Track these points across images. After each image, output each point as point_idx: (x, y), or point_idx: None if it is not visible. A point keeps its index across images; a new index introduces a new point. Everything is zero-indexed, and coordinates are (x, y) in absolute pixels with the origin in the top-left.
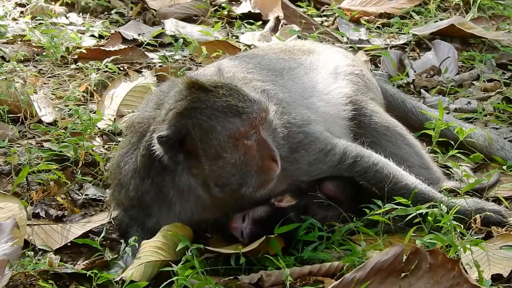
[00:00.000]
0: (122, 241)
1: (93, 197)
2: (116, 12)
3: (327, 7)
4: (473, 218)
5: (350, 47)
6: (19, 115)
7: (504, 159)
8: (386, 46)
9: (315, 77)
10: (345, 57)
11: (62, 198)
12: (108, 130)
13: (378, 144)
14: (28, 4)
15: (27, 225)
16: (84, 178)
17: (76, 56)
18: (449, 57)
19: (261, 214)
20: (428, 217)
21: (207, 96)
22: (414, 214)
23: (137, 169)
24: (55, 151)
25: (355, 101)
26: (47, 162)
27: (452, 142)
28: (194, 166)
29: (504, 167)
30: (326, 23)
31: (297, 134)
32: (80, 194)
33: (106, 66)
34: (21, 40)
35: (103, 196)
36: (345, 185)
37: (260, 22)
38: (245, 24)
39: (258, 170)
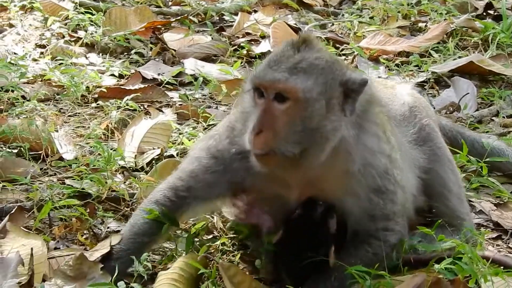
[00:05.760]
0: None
1: (116, 230)
2: (135, 52)
3: (346, 46)
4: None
5: None
6: (40, 152)
7: None
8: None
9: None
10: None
11: (82, 236)
12: (129, 167)
13: (427, 159)
14: (48, 45)
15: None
16: (105, 214)
17: (96, 95)
18: (468, 93)
19: None
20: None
21: None
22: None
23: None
24: (77, 187)
25: None
26: (69, 199)
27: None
28: None
29: None
30: (345, 62)
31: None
32: (101, 230)
33: (127, 104)
34: (41, 80)
35: None
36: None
37: None
38: None
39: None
